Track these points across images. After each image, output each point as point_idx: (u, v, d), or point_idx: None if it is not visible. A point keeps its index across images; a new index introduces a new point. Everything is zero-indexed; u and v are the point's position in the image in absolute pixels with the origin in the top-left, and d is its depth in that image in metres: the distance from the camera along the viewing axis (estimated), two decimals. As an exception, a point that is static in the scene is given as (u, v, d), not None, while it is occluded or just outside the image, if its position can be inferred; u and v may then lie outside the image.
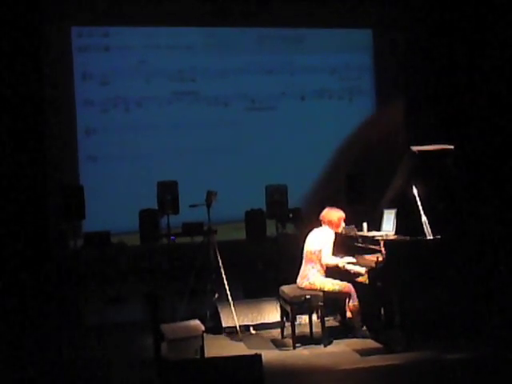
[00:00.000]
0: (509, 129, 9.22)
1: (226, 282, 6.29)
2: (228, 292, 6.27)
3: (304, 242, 6.00)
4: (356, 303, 5.76)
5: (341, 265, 5.75)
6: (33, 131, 9.27)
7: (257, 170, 9.93)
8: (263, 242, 8.47)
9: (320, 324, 5.74)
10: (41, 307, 7.50)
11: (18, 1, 9.20)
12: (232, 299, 6.26)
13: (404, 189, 5.82)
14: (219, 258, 6.42)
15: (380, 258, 5.49)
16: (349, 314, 5.86)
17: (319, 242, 5.87)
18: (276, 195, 8.40)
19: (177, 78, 10.18)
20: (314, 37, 10.64)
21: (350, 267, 5.72)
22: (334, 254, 5.95)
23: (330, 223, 5.96)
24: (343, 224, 6.04)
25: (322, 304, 5.69)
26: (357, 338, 5.80)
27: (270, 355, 5.34)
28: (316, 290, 5.73)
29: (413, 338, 5.45)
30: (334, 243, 5.91)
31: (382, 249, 5.49)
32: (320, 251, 5.80)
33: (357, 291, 5.77)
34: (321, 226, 6.02)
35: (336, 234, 5.98)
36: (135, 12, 9.90)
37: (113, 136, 9.85)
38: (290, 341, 5.75)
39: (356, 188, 8.52)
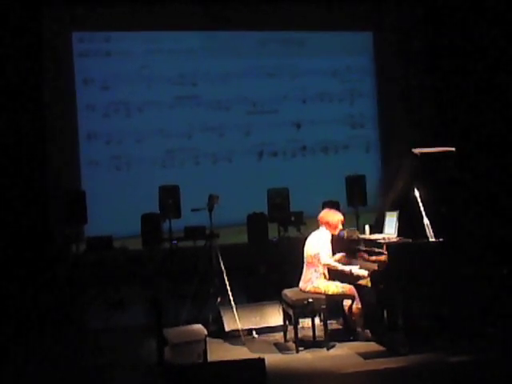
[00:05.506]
0: (511, 130, 9.22)
1: (228, 286, 6.29)
2: (230, 296, 6.27)
3: (304, 245, 6.00)
4: (359, 305, 5.77)
5: (347, 269, 5.73)
6: (34, 136, 9.28)
7: (258, 174, 9.94)
8: (265, 245, 8.47)
9: (323, 327, 5.73)
10: (43, 312, 7.50)
11: (19, 6, 9.23)
12: (234, 303, 6.25)
13: (406, 191, 5.82)
14: (221, 261, 6.42)
15: (382, 261, 5.49)
16: (352, 317, 5.87)
17: (317, 244, 5.86)
18: (278, 198, 8.41)
19: (178, 83, 10.18)
20: (315, 40, 10.63)
21: (354, 270, 5.72)
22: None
23: (328, 224, 5.95)
24: (341, 226, 6.02)
25: (324, 307, 5.68)
26: (360, 341, 5.79)
27: (272, 359, 5.33)
28: (320, 293, 5.72)
29: (416, 340, 5.44)
30: (332, 244, 5.91)
31: (385, 251, 5.49)
32: (319, 254, 5.80)
33: (359, 294, 5.77)
34: (318, 228, 6.02)
35: (332, 236, 5.97)
36: (136, 17, 9.91)
37: (114, 141, 9.86)
38: (292, 344, 5.75)
39: (358, 191, 8.52)
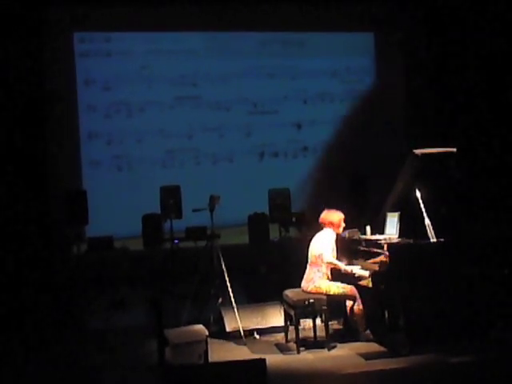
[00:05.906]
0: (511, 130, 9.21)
1: (229, 286, 6.29)
2: (231, 296, 6.27)
3: (308, 246, 6.00)
4: (361, 306, 5.76)
5: (349, 269, 5.74)
6: (35, 137, 9.28)
7: (260, 174, 9.94)
8: (266, 246, 8.46)
9: (324, 328, 5.73)
10: (44, 312, 7.50)
11: (19, 6, 9.22)
12: (236, 303, 6.25)
13: (407, 192, 5.82)
14: (222, 262, 6.42)
15: (383, 262, 5.48)
16: (353, 318, 5.86)
17: (321, 245, 5.87)
18: (279, 199, 8.39)
19: (179, 83, 10.18)
20: (316, 40, 10.62)
21: (355, 270, 5.73)
22: (338, 258, 5.95)
23: (331, 224, 5.97)
24: (343, 224, 6.04)
25: (325, 308, 5.69)
26: (361, 341, 5.79)
27: (274, 359, 5.34)
28: (322, 293, 5.72)
29: (417, 341, 5.44)
30: (337, 245, 5.92)
31: (386, 252, 5.49)
32: (322, 254, 5.80)
33: (360, 294, 5.77)
34: (322, 229, 6.02)
35: (337, 235, 5.98)
36: (136, 17, 9.91)
37: (115, 141, 9.86)
38: (294, 345, 5.75)
39: (359, 191, 8.52)
